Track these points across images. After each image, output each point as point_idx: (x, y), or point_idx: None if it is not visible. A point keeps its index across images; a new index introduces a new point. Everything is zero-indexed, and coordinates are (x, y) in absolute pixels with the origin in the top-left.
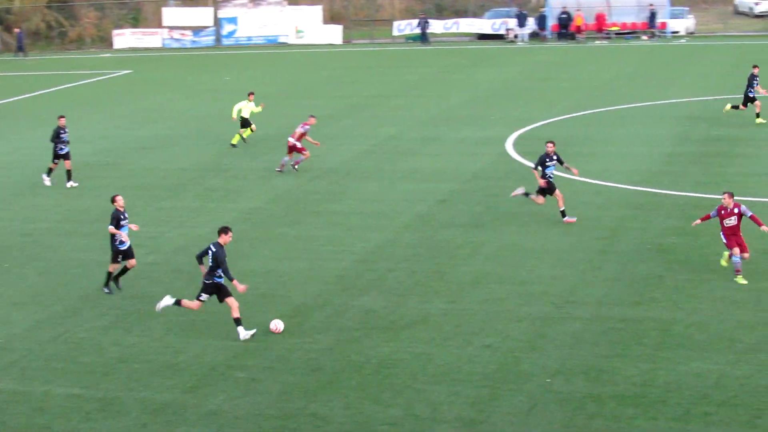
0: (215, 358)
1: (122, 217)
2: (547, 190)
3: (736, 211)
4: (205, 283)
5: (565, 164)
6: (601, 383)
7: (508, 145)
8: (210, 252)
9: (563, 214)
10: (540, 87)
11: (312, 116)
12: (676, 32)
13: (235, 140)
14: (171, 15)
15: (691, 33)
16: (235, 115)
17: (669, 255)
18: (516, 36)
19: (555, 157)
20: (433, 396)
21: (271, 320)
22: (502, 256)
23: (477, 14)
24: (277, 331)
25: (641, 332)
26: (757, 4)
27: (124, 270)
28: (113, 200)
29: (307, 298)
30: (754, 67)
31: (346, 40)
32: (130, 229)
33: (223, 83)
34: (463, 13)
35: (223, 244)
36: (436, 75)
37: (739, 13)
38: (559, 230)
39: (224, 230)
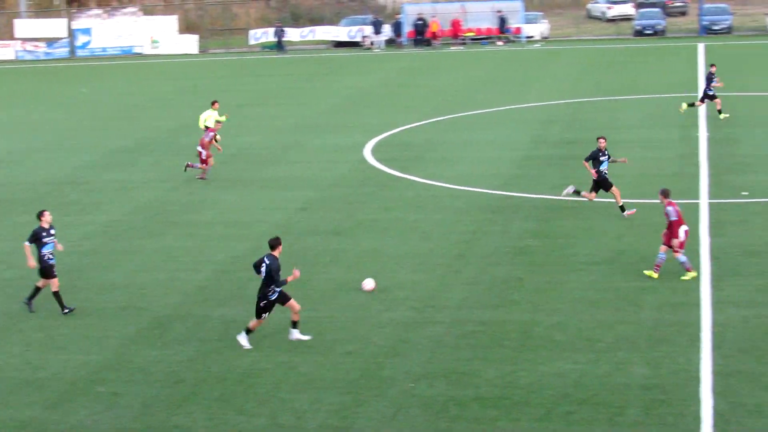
0: (76, 374)
1: (45, 234)
2: (602, 185)
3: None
4: (264, 304)
5: (612, 158)
6: (463, 386)
7: (367, 152)
8: (264, 264)
9: (622, 209)
10: (397, 93)
11: (218, 121)
12: (531, 37)
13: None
14: (23, 27)
15: (546, 37)
16: (201, 124)
17: (528, 257)
18: (372, 43)
19: (607, 153)
20: (297, 404)
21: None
22: (362, 263)
23: (333, 22)
24: (370, 288)
25: (502, 334)
26: (609, 8)
27: (37, 290)
28: (39, 216)
29: (168, 310)
30: (712, 66)
31: (203, 49)
32: (55, 247)
33: (79, 95)
34: (319, 20)
35: (277, 256)
36: (294, 83)
37: (592, 17)
38: (419, 235)
39: (276, 243)
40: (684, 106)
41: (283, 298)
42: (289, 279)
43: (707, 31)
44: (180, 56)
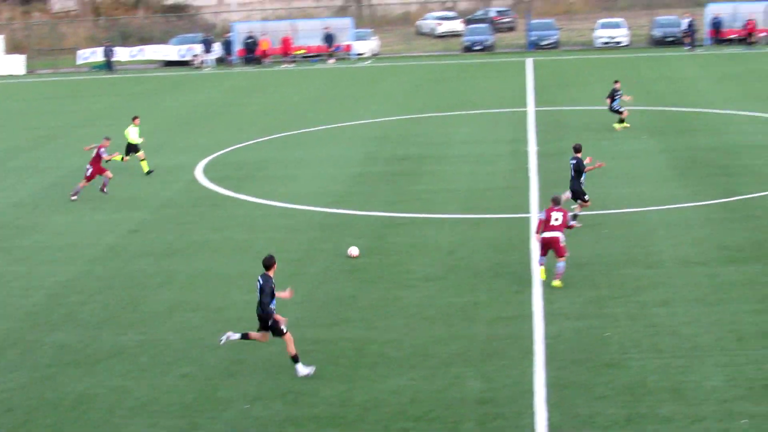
0: None
1: None
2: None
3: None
4: (272, 322)
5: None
6: (300, 406)
7: (198, 172)
8: (258, 284)
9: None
10: (228, 112)
11: (106, 138)
12: (362, 54)
13: (145, 168)
14: None
15: (376, 54)
16: (131, 139)
17: (361, 274)
18: (203, 62)
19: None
20: (131, 430)
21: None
22: (195, 284)
23: (163, 41)
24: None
25: (337, 353)
26: (438, 24)
27: None
28: None
29: None
30: (615, 82)
31: (30, 70)
32: None
33: None
34: (148, 40)
35: (271, 275)
36: (123, 103)
37: (421, 34)
38: (251, 255)
39: (270, 263)
40: (617, 125)
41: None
42: (283, 295)
43: (535, 46)
44: (6, 77)
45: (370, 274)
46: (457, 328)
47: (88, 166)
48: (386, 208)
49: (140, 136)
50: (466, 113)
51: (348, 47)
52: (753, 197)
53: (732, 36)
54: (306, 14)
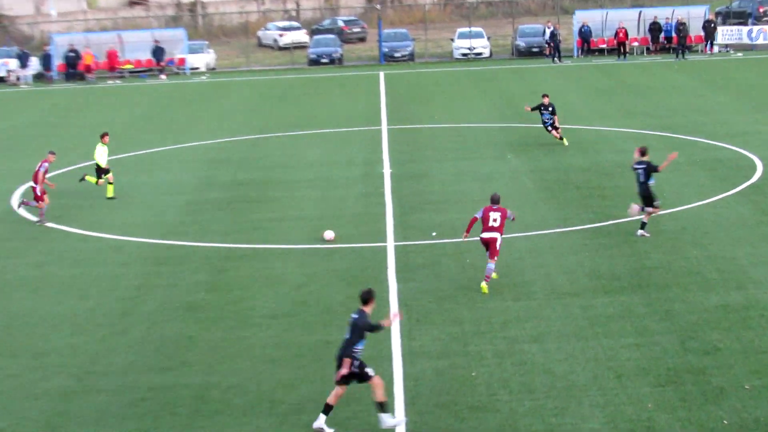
0: None
1: None
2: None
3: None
4: (355, 368)
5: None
6: None
7: (14, 201)
8: (352, 320)
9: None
10: (48, 134)
11: (51, 152)
12: (196, 68)
13: (110, 193)
14: None
15: (212, 69)
16: (99, 162)
17: (200, 313)
18: (18, 78)
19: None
20: None
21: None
22: (13, 326)
23: None
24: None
25: (174, 400)
26: (281, 35)
27: None
28: None
29: None
30: (544, 96)
31: None
32: None
33: None
34: None
35: (368, 311)
36: None
37: (263, 45)
38: (76, 293)
39: (369, 297)
40: (565, 142)
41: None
42: (386, 323)
43: (388, 58)
44: None
45: (210, 313)
46: (307, 371)
47: (35, 186)
48: (226, 238)
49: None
50: (315, 132)
51: (181, 61)
52: (629, 221)
53: (602, 46)
54: (134, 25)
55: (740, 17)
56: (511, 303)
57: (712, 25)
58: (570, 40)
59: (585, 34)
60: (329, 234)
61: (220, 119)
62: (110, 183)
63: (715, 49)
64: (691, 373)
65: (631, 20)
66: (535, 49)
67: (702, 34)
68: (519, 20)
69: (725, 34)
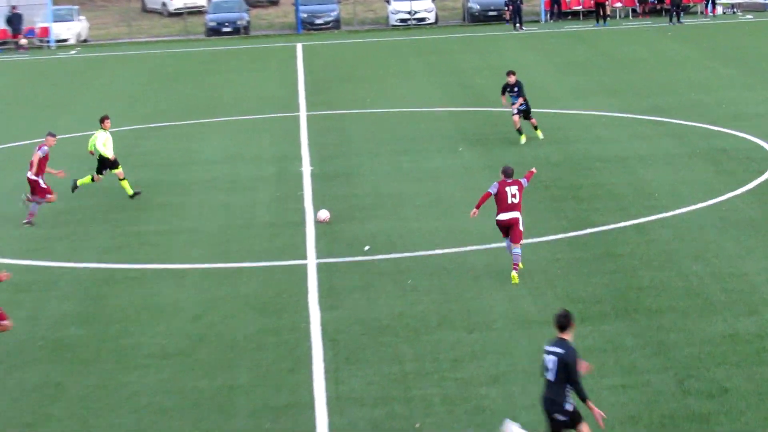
0: None
1: None
2: None
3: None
4: (561, 419)
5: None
6: None
7: None
8: (555, 356)
9: None
10: None
11: (50, 134)
12: (64, 40)
13: (85, 180)
14: None
15: (85, 41)
16: (91, 147)
17: (71, 352)
18: None
19: None
20: None
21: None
22: None
23: None
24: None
25: None
26: None
27: None
28: None
29: None
30: (509, 74)
31: None
32: None
33: None
34: None
35: (570, 340)
36: None
37: (149, 11)
38: None
39: (568, 321)
40: (540, 134)
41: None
42: (593, 408)
43: (307, 26)
44: None
45: (84, 352)
46: (208, 423)
47: (34, 177)
48: (104, 257)
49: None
50: (215, 121)
51: (44, 31)
52: (611, 229)
53: (576, 8)
54: None
55: None
56: (464, 335)
57: None
58: (536, 0)
59: None
60: (323, 214)
61: (95, 105)
62: (122, 179)
63: (719, 10)
64: (692, 420)
65: None
66: (492, 13)
67: None
68: None
69: None
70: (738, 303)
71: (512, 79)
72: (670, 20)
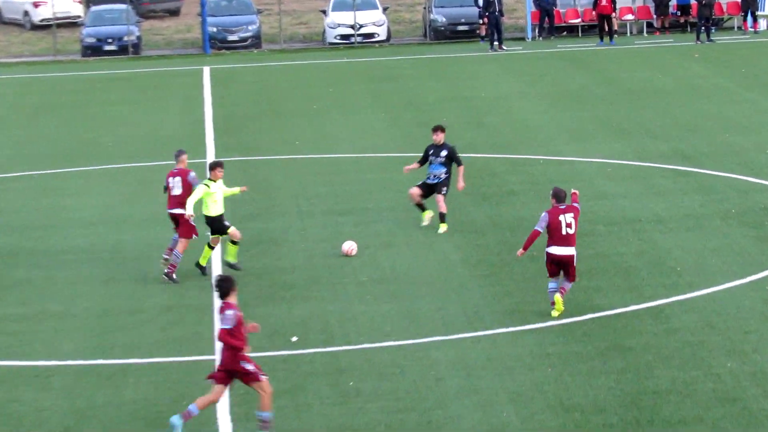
0: None
1: None
2: None
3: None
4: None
5: None
6: None
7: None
8: None
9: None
10: None
11: (181, 152)
12: None
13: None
14: None
15: None
16: (191, 210)
17: None
18: None
19: None
20: None
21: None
22: None
23: None
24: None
25: None
26: (36, 5)
27: None
28: None
29: None
30: (436, 131)
31: None
32: None
33: None
34: None
35: None
36: None
37: (6, 22)
38: None
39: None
40: (443, 227)
41: None
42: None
43: (218, 43)
44: None
45: None
46: None
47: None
48: None
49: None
50: (95, 170)
51: None
52: (619, 314)
53: (574, 21)
54: None
55: None
56: None
57: None
58: (521, 10)
59: (545, 3)
60: (349, 246)
61: None
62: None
63: (762, 24)
64: None
65: None
66: (462, 28)
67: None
68: None
69: None
70: None
71: (439, 138)
72: (698, 38)
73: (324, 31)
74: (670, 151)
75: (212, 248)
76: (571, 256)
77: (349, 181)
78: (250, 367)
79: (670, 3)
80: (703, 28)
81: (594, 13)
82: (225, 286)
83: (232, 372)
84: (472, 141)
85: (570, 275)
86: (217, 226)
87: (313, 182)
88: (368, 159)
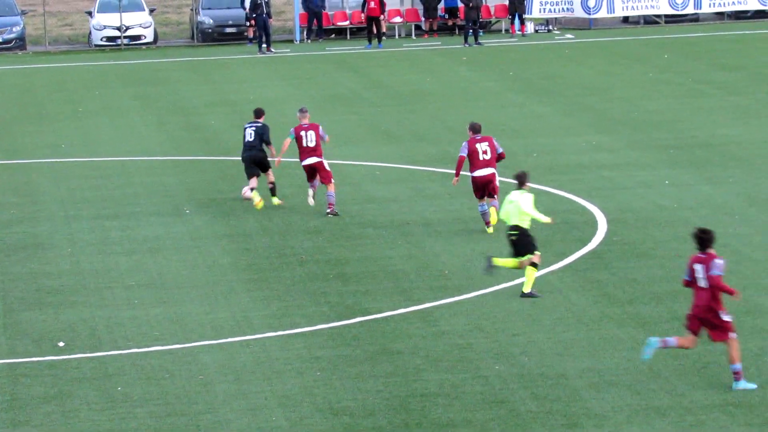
0: None
1: None
2: None
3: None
4: None
5: None
6: None
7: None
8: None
9: None
10: None
11: (303, 110)
12: None
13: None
14: None
15: None
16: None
17: None
18: None
19: None
20: None
21: None
22: None
23: None
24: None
25: None
26: None
27: None
28: None
29: None
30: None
31: None
32: None
33: None
34: None
35: None
36: None
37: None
38: None
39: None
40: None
41: None
42: None
43: None
44: None
45: None
46: None
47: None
48: None
49: None
50: None
51: None
52: (388, 317)
53: (342, 24)
54: None
55: None
56: None
57: None
58: (289, 12)
59: (314, 5)
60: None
61: None
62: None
63: (530, 27)
64: None
65: None
66: (230, 30)
67: (506, 2)
68: None
69: (545, 2)
70: (554, 414)
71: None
72: (465, 41)
73: (90, 33)
74: (438, 154)
75: None
76: (492, 174)
77: (117, 185)
78: (727, 318)
79: (438, 6)
80: (471, 31)
81: (363, 15)
82: (706, 238)
83: (705, 321)
84: (238, 145)
85: (494, 191)
86: None
87: (80, 186)
88: (135, 162)
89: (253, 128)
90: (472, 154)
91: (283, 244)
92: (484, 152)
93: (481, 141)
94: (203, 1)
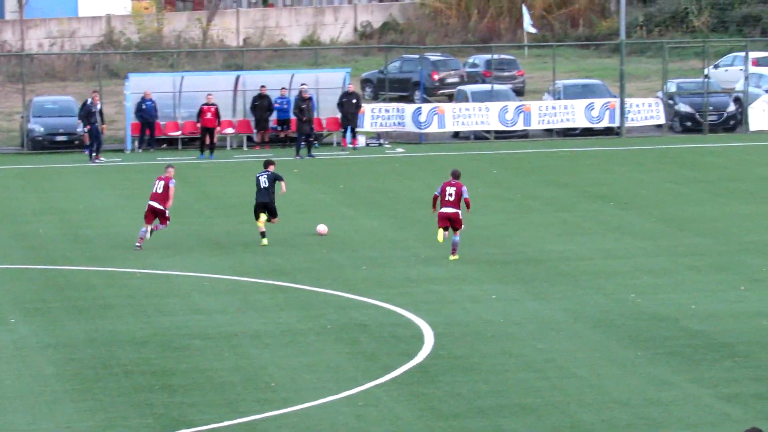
0: None
1: None
2: None
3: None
4: None
5: None
6: None
7: None
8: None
9: None
10: None
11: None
12: None
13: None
14: None
15: None
16: None
17: None
18: None
19: None
20: None
21: None
22: None
23: None
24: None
25: None
26: None
27: None
28: None
29: None
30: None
31: None
32: None
33: None
34: None
35: None
36: None
37: None
38: None
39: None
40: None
41: None
42: None
43: None
44: None
45: None
46: None
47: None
48: None
49: None
50: None
51: None
52: (213, 429)
53: (174, 134)
54: None
55: (403, 88)
56: None
57: (355, 101)
58: (121, 121)
59: (147, 114)
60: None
61: None
62: None
63: (361, 141)
64: None
65: (223, 91)
66: (61, 138)
67: (338, 115)
68: (41, 86)
69: (377, 116)
70: None
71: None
72: (297, 153)
73: None
74: (268, 266)
75: None
76: (456, 213)
77: None
78: None
79: (270, 118)
80: (303, 143)
81: (198, 125)
82: None
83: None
84: (67, 254)
85: (457, 226)
86: None
87: None
88: None
89: (265, 175)
90: (441, 194)
91: (109, 354)
92: (450, 195)
93: (452, 185)
94: (34, 109)
